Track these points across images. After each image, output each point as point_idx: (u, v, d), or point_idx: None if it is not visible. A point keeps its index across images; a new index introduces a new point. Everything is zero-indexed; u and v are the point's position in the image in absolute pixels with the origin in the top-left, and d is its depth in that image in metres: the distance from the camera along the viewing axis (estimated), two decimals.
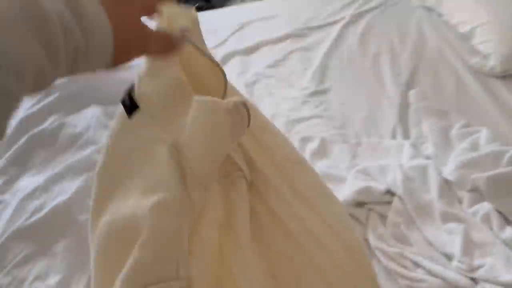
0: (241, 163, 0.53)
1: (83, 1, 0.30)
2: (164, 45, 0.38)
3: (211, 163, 0.47)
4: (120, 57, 0.34)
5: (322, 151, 1.06)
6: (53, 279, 0.74)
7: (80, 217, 0.83)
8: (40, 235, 0.80)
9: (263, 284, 0.50)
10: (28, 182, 0.91)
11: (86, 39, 0.30)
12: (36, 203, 0.85)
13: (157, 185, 0.45)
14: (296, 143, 1.07)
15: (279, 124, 1.15)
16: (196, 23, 0.49)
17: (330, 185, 0.97)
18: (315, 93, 1.27)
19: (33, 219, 0.83)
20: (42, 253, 0.78)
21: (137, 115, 0.49)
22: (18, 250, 0.78)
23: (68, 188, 0.86)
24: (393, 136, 1.10)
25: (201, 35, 0.50)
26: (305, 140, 1.09)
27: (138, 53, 0.36)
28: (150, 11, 0.39)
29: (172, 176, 0.45)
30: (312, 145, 1.07)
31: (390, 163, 0.98)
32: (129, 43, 0.34)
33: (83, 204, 0.84)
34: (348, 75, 1.33)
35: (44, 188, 0.88)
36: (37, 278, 0.75)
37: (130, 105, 0.50)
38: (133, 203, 0.45)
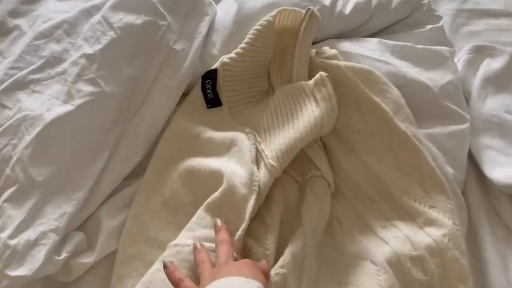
0: (321, 164, 0.57)
1: None
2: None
3: (291, 151, 0.53)
4: None
5: (502, 81, 0.64)
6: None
7: None
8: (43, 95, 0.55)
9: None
10: (53, 8, 0.61)
11: None
12: (53, 48, 0.57)
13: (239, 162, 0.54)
14: (458, 57, 0.66)
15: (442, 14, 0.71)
16: (312, 18, 0.58)
17: (491, 151, 0.58)
18: None
19: (42, 74, 0.56)
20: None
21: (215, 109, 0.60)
22: (11, 113, 0.54)
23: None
24: None
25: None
26: (481, 51, 0.66)
27: None
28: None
29: (251, 159, 0.54)
30: (490, 64, 0.65)
31: None
32: None
33: None
34: None
35: (71, 26, 0.59)
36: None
37: (213, 100, 0.59)
38: (220, 165, 0.54)
